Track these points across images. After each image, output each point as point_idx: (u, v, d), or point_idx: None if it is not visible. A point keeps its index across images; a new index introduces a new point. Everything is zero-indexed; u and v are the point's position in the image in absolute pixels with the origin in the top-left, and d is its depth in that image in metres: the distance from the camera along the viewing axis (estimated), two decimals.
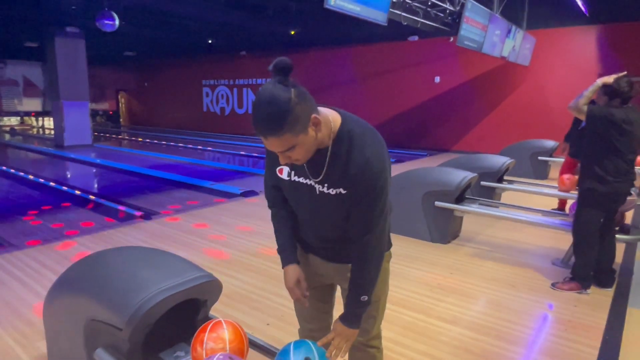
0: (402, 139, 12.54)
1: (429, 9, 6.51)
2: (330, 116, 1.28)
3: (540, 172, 7.83)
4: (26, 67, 18.67)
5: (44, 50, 12.95)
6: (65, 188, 7.14)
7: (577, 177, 3.89)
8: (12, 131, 18.19)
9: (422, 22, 6.52)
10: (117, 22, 10.31)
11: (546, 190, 5.28)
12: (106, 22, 10.28)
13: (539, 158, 7.81)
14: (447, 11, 6.78)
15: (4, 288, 3.29)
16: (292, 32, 11.49)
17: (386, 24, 5.31)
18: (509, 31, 8.41)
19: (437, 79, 12.09)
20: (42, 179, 7.87)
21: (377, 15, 5.12)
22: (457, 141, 12.05)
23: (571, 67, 10.18)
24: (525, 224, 4.51)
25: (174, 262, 1.88)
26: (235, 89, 17.15)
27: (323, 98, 14.71)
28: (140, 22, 11.97)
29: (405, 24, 6.04)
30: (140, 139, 15.38)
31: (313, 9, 10.55)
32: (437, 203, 4.40)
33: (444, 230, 4.46)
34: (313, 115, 1.18)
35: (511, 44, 8.68)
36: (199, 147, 13.08)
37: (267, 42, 14.56)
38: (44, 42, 12.79)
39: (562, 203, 5.32)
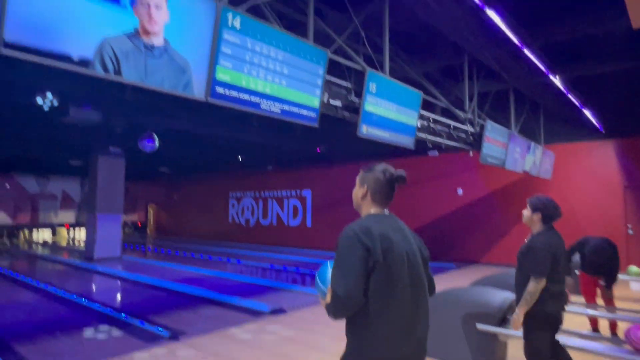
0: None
1: (451, 131, 6.92)
2: (373, 210, 1.92)
3: (571, 286, 7.48)
4: (67, 182, 19.91)
5: (86, 167, 13.95)
6: (92, 303, 7.10)
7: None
8: (44, 243, 18.72)
9: (446, 143, 6.88)
10: (157, 143, 11.22)
11: (590, 310, 5.03)
12: (148, 143, 11.19)
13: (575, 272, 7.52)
14: (469, 132, 7.19)
15: None
16: (318, 150, 12.19)
17: (414, 148, 5.64)
18: (529, 147, 8.75)
19: (460, 191, 12.30)
20: (68, 292, 7.89)
21: (405, 140, 5.47)
22: (485, 253, 11.79)
23: (593, 180, 10.29)
24: (574, 350, 4.18)
25: None
26: (260, 201, 17.71)
27: (349, 211, 14.96)
28: (176, 142, 12.98)
29: (430, 146, 6.39)
30: (167, 250, 15.58)
31: (338, 128, 11.36)
32: (479, 325, 4.18)
33: (489, 355, 4.17)
34: (364, 186, 1.95)
35: (532, 159, 8.97)
36: (224, 258, 13.11)
37: (294, 158, 15.41)
38: (88, 161, 13.83)
39: (595, 322, 5.14)
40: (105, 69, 2.81)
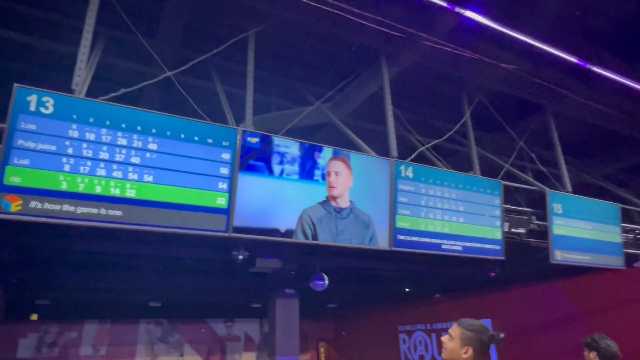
0: None
1: None
2: None
3: None
4: (248, 324, 21.63)
5: (265, 309, 15.06)
6: None
7: None
8: None
9: None
10: (327, 282, 11.71)
11: None
12: (318, 282, 11.75)
13: None
14: None
15: None
16: (493, 274, 11.14)
17: (624, 267, 4.74)
18: None
19: None
20: None
21: (611, 261, 4.67)
22: None
23: None
24: None
25: None
26: (433, 334, 16.35)
27: (537, 339, 12.77)
28: (343, 278, 13.36)
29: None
30: None
31: (515, 248, 10.38)
32: None
33: None
34: (468, 348, 1.86)
35: None
36: None
37: (464, 282, 14.34)
38: (266, 303, 14.97)
39: None
40: (305, 235, 3.17)
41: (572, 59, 4.35)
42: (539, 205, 5.08)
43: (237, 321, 21.45)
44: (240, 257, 8.79)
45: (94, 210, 2.73)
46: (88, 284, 13.10)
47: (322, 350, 23.15)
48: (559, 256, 4.40)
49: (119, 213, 2.76)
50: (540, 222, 4.68)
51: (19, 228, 6.59)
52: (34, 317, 16.71)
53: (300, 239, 3.19)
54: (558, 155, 5.15)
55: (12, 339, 16.08)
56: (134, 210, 2.76)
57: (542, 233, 4.60)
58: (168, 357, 19.60)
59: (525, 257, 8.95)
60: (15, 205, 2.62)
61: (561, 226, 4.51)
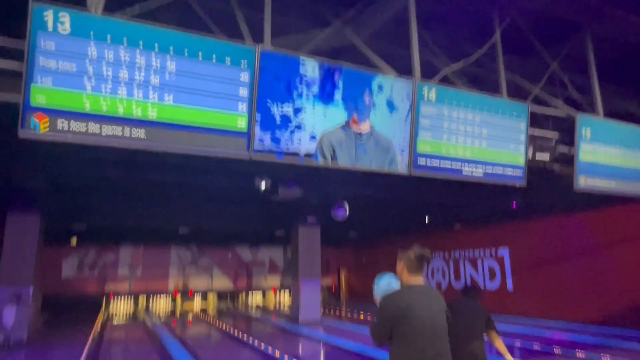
0: None
1: None
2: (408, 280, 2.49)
3: None
4: (272, 250, 22.68)
5: (288, 237, 15.71)
6: None
7: None
8: (257, 307, 21.28)
9: None
10: (347, 211, 11.99)
11: None
12: (339, 212, 12.06)
13: None
14: None
15: None
16: (515, 206, 11.16)
17: None
18: None
19: None
20: (281, 352, 8.62)
21: (638, 188, 4.56)
22: None
23: None
24: None
25: None
26: (451, 262, 16.86)
27: (558, 270, 12.97)
28: (363, 207, 13.63)
29: None
30: (362, 315, 15.93)
31: (535, 178, 10.24)
32: None
33: None
34: (401, 262, 2.51)
35: None
36: None
37: (484, 214, 14.45)
38: (289, 231, 15.57)
39: None
40: (325, 159, 3.19)
41: None
42: (570, 134, 4.91)
43: (261, 248, 22.51)
44: (263, 185, 9.02)
45: (118, 132, 2.80)
46: (121, 210, 13.84)
47: (342, 274, 24.31)
48: (583, 183, 4.32)
49: (142, 134, 2.82)
50: (567, 148, 4.55)
51: (50, 154, 6.86)
52: (74, 241, 17.88)
53: (319, 162, 3.21)
54: (592, 77, 4.88)
55: (55, 262, 17.42)
56: (156, 131, 2.81)
57: (569, 161, 4.49)
58: (199, 278, 21.04)
59: (551, 187, 8.83)
60: (43, 125, 2.70)
61: (589, 152, 4.38)
